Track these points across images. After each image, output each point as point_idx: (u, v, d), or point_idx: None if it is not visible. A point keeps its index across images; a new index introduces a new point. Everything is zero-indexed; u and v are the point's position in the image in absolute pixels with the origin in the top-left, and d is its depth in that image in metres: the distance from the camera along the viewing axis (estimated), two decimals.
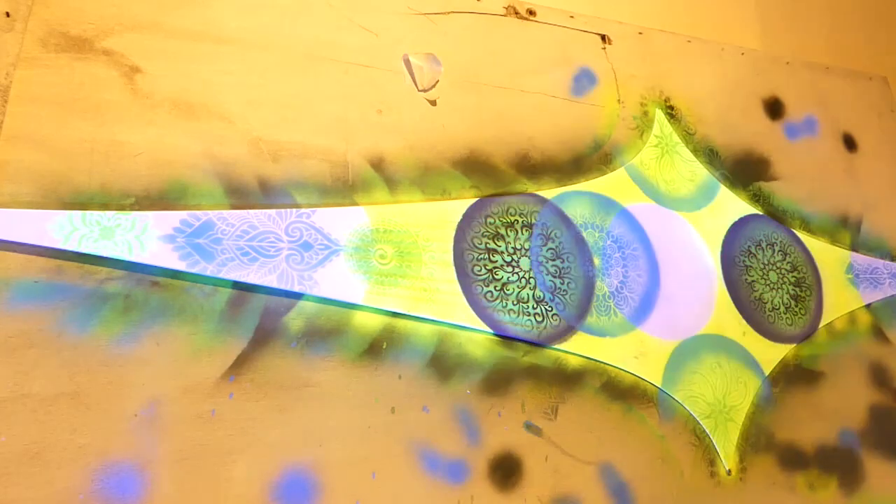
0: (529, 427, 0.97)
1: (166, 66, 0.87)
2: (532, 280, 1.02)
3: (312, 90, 0.95)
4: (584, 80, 1.18)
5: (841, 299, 1.33)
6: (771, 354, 1.22)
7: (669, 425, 1.07)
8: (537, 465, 0.96)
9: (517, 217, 1.04)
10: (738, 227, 1.25)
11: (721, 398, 1.13)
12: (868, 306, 1.36)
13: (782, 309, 1.25)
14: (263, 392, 0.83)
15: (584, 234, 1.09)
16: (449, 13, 1.09)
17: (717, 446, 1.10)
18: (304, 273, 0.87)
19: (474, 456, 0.92)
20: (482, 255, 1.00)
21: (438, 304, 0.94)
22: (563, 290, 1.05)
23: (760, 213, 1.24)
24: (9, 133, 0.78)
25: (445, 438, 0.91)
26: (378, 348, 0.90)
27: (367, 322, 0.90)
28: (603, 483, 1.00)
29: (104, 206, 0.79)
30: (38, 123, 0.79)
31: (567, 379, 1.02)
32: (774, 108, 1.38)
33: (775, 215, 1.29)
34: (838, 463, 1.20)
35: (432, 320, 0.94)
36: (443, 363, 0.94)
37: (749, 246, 1.25)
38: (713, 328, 1.17)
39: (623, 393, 1.05)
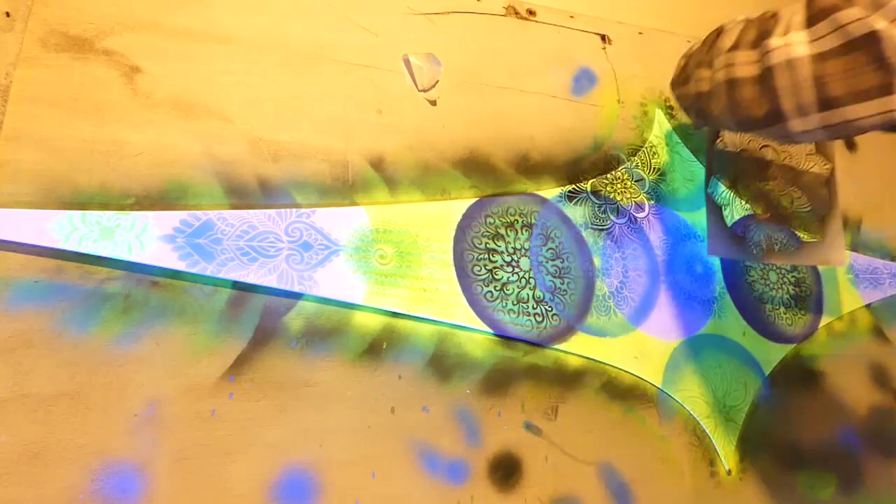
0: (529, 427, 0.97)
1: (166, 66, 0.87)
2: (532, 280, 1.02)
3: (312, 90, 0.95)
4: (584, 80, 1.18)
5: (841, 299, 1.33)
6: (771, 354, 1.22)
7: (669, 425, 1.07)
8: (537, 465, 0.96)
9: (517, 217, 1.04)
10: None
11: (721, 398, 1.13)
12: (868, 306, 1.36)
13: (782, 309, 1.25)
14: (263, 392, 0.83)
15: (584, 235, 1.09)
16: (449, 13, 1.09)
17: (717, 446, 1.10)
18: (304, 273, 0.87)
19: (474, 456, 0.92)
20: (482, 256, 1.00)
21: (438, 304, 0.94)
22: (563, 291, 1.05)
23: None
24: (9, 133, 0.78)
25: (445, 438, 0.91)
26: (378, 348, 0.90)
27: (367, 322, 0.90)
28: (603, 483, 1.00)
29: (104, 206, 0.79)
30: (38, 123, 0.79)
31: (567, 379, 1.02)
32: None
33: None
34: (838, 463, 1.20)
35: (432, 320, 0.94)
36: (443, 363, 0.94)
37: None
38: (713, 328, 1.17)
39: (623, 393, 1.05)
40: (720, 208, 1.12)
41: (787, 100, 0.78)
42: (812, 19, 0.76)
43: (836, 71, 0.73)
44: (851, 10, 0.72)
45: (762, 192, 1.14)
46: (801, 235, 1.17)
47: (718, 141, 1.14)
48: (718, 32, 0.94)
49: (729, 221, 1.11)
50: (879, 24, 0.70)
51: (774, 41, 0.78)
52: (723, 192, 1.13)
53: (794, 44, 0.76)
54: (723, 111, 0.87)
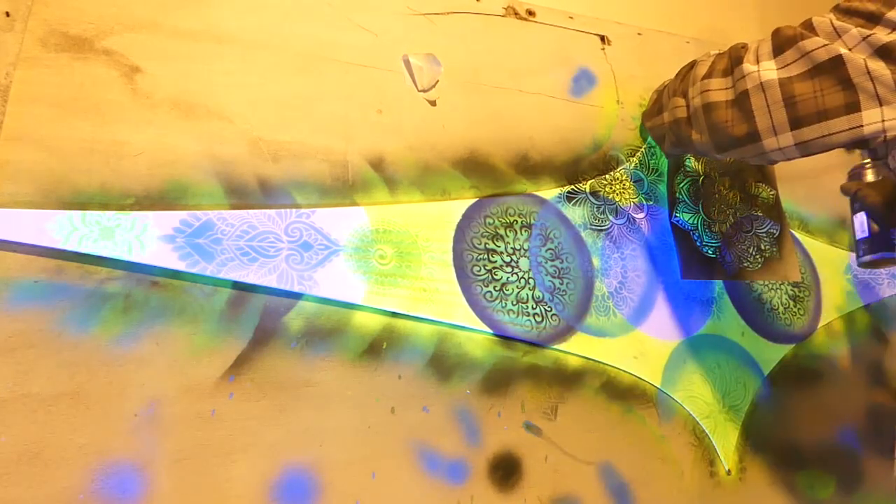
0: (529, 427, 0.97)
1: (166, 66, 0.87)
2: (531, 280, 1.03)
3: (312, 90, 0.95)
4: (583, 81, 1.18)
5: (840, 299, 1.34)
6: (770, 354, 1.22)
7: (669, 426, 1.08)
8: (537, 465, 0.96)
9: (516, 217, 1.04)
10: None
11: (720, 398, 1.14)
12: (867, 306, 1.36)
13: (781, 309, 1.26)
14: (263, 392, 0.83)
15: (583, 235, 1.09)
16: (449, 13, 1.09)
17: (716, 446, 1.11)
18: (303, 273, 0.87)
19: (474, 456, 0.92)
20: (481, 256, 1.00)
21: (438, 304, 0.94)
22: (563, 291, 1.05)
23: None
24: (9, 133, 0.78)
25: (445, 438, 0.91)
26: (378, 348, 0.90)
27: (367, 322, 0.90)
28: (603, 483, 1.00)
29: (104, 206, 0.79)
30: (38, 123, 0.79)
31: (567, 379, 1.02)
32: None
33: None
34: (838, 463, 1.20)
35: (432, 320, 0.94)
36: (443, 363, 0.94)
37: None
38: (712, 328, 1.17)
39: (623, 393, 1.05)
40: (688, 234, 1.16)
41: (762, 120, 0.82)
42: (778, 49, 0.82)
43: (805, 92, 0.78)
44: (815, 38, 0.78)
45: (726, 213, 1.21)
46: (764, 252, 1.21)
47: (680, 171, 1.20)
48: (691, 65, 1.00)
49: (699, 245, 1.16)
50: (843, 49, 0.75)
51: (747, 67, 0.84)
52: (689, 218, 1.16)
53: (765, 70, 0.82)
54: (702, 134, 0.92)
